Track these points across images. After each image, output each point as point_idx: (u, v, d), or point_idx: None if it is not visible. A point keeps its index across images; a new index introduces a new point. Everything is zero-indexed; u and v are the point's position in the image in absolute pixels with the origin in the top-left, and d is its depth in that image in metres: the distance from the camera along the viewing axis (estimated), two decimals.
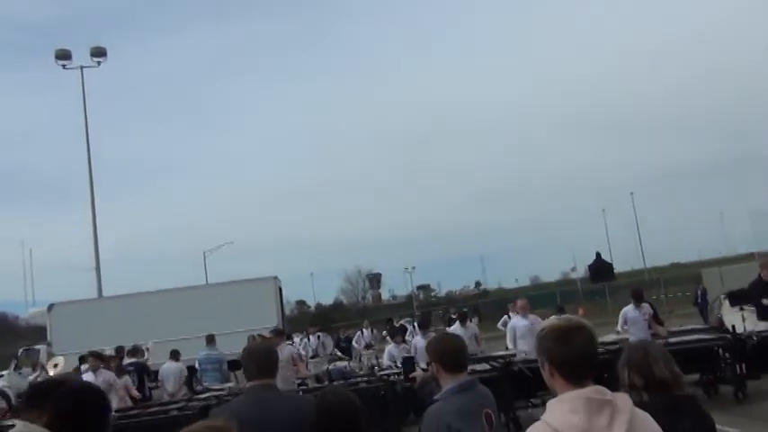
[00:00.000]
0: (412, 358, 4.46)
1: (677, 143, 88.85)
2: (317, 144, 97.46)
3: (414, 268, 62.57)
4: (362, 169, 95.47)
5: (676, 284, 42.67)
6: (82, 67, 29.46)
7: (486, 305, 43.66)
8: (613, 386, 2.19)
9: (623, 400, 2.09)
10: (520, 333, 10.34)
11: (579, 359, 2.11)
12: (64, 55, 29.30)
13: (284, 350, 9.54)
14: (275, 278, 22.15)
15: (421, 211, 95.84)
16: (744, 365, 9.43)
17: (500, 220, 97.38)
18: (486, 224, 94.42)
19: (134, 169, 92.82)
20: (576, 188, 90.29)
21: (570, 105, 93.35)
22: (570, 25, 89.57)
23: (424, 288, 74.53)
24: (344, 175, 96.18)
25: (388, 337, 17.71)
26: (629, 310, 10.34)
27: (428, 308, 47.87)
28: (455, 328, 12.24)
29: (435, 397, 3.20)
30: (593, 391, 2.07)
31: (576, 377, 2.10)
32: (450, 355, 3.24)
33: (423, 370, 6.37)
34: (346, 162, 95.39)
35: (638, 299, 10.53)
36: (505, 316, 16.53)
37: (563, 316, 2.26)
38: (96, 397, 2.39)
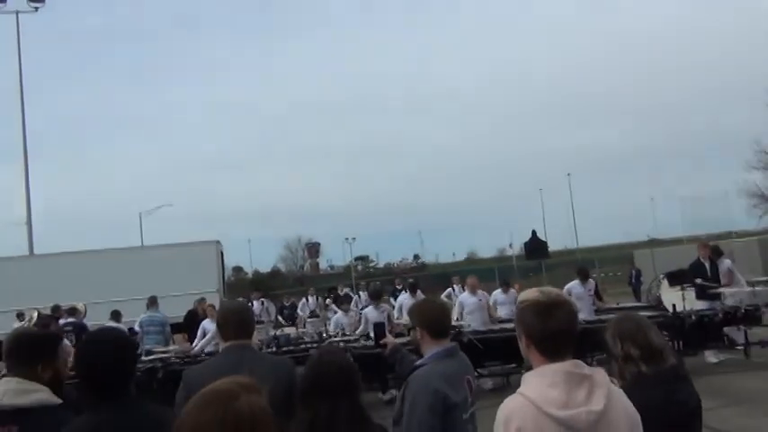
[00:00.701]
0: (383, 324, 4.37)
1: (612, 130, 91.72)
2: (262, 110, 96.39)
3: (354, 239, 62.77)
4: (307, 138, 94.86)
5: (609, 265, 44.09)
6: (17, 12, 28.05)
7: (425, 278, 44.12)
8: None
9: (600, 374, 2.08)
10: (468, 309, 10.50)
11: (559, 335, 2.09)
12: None
13: None
14: (217, 242, 21.79)
15: (363, 184, 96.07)
16: (681, 343, 9.78)
17: (440, 197, 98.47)
18: (426, 200, 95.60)
19: (71, 125, 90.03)
20: (516, 169, 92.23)
21: (517, 89, 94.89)
22: (504, 9, 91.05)
23: (363, 259, 74.85)
24: (289, 143, 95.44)
25: (333, 306, 17.71)
26: (574, 285, 10.55)
27: (366, 279, 48.04)
28: (404, 298, 12.28)
29: (420, 362, 3.15)
30: (571, 365, 2.06)
31: (555, 352, 2.08)
32: (436, 321, 3.19)
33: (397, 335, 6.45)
34: (291, 130, 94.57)
35: (584, 276, 10.76)
36: (449, 288, 16.78)
37: (543, 289, 2.22)
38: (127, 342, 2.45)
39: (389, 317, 11.14)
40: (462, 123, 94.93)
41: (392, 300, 14.25)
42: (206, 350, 10.49)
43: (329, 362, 2.61)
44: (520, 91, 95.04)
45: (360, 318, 13.12)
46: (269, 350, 9.49)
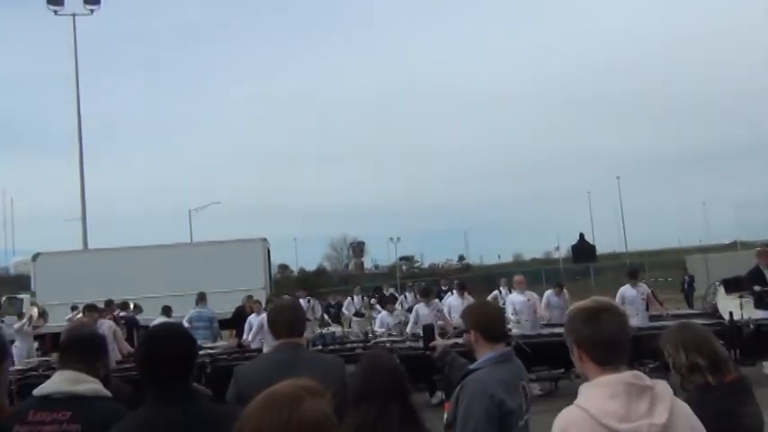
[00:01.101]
0: (432, 326, 4.30)
1: (664, 132, 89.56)
2: (311, 110, 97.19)
3: (399, 239, 62.78)
4: (355, 136, 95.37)
5: (659, 270, 43.10)
6: (74, 15, 28.84)
7: (469, 280, 43.82)
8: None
9: (662, 385, 2.02)
10: (518, 309, 10.34)
11: (610, 342, 2.03)
12: (56, 1, 28.62)
13: (104, 325, 9.56)
14: (264, 240, 21.97)
15: (408, 183, 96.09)
16: (738, 352, 9.47)
17: (486, 196, 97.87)
18: (472, 200, 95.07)
19: (123, 124, 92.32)
20: (563, 171, 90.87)
21: (565, 89, 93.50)
22: (569, 9, 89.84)
23: (408, 259, 74.77)
24: (336, 141, 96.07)
25: (377, 305, 17.71)
26: (626, 289, 10.32)
27: (410, 279, 47.91)
28: (453, 299, 12.23)
29: (474, 365, 3.09)
30: (632, 375, 1.99)
31: (608, 361, 2.02)
32: (491, 324, 3.14)
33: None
34: (339, 130, 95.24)
35: (633, 275, 10.57)
36: (496, 291, 16.57)
37: (594, 298, 2.17)
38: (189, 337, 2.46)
39: (441, 314, 11.19)
40: (509, 123, 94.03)
41: (438, 302, 14.18)
42: (252, 345, 10.59)
43: (379, 365, 2.57)
44: (568, 90, 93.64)
45: (405, 318, 13.12)
46: (314, 348, 9.53)
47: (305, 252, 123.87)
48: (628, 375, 1.98)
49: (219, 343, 11.77)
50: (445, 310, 11.51)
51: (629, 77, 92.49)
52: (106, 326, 9.64)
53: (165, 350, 2.31)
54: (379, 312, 14.44)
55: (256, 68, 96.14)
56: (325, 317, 17.74)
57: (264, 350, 10.08)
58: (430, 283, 19.84)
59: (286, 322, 3.23)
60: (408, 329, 10.51)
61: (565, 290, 12.27)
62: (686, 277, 24.93)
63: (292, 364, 3.03)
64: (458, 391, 3.00)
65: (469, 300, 12.18)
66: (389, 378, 2.52)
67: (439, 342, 3.90)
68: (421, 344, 9.50)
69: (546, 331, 10.08)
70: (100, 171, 79.36)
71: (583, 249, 43.04)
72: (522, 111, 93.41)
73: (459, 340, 9.59)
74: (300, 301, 16.80)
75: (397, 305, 16.38)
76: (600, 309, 2.07)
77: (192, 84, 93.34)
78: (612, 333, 2.03)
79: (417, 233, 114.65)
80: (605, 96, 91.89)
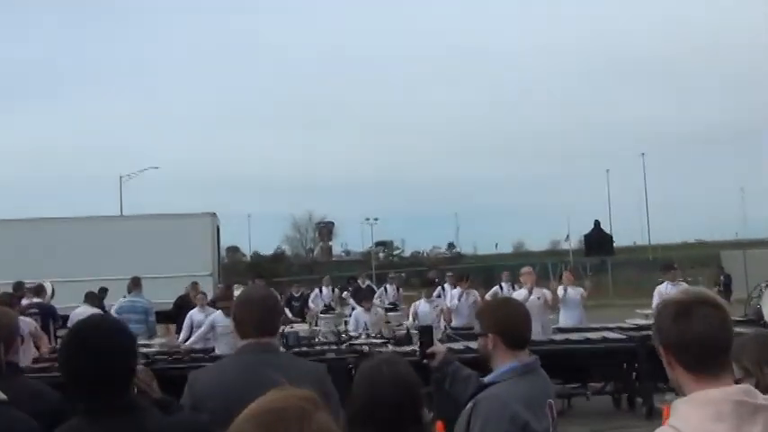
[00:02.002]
0: (430, 328, 4.21)
1: (699, 101, 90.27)
2: (274, 62, 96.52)
3: (375, 220, 62.74)
4: (322, 100, 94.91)
5: (688, 266, 43.59)
6: None
7: (461, 272, 44.13)
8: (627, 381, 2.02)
9: None
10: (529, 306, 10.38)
11: (703, 343, 1.95)
12: None
13: (23, 323, 9.36)
14: (213, 215, 21.90)
15: (389, 155, 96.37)
16: None
17: (482, 173, 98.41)
18: (465, 177, 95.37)
19: (42, 74, 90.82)
20: (576, 145, 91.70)
21: (580, 51, 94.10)
22: None
23: (386, 245, 75.17)
24: (300, 104, 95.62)
25: (351, 300, 17.67)
26: (665, 287, 10.40)
27: (389, 269, 48.12)
28: (456, 292, 12.49)
29: (490, 378, 3.03)
30: (742, 391, 1.91)
31: (703, 368, 1.96)
32: (515, 327, 3.09)
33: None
34: (303, 89, 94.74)
35: (667, 269, 10.77)
36: (496, 286, 16.64)
37: (689, 289, 2.14)
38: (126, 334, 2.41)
39: (445, 313, 11.36)
40: (512, 89, 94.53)
41: (441, 299, 14.27)
42: (197, 347, 10.51)
43: (390, 378, 2.47)
44: (584, 51, 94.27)
45: (384, 316, 13.08)
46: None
47: (260, 232, 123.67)
48: (737, 391, 1.92)
49: (156, 340, 11.63)
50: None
51: (659, 35, 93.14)
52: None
53: (98, 351, 2.21)
54: (354, 309, 14.37)
55: (209, 8, 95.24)
56: (287, 312, 17.66)
57: (218, 352, 10.00)
58: (437, 273, 19.93)
59: (255, 317, 3.15)
60: (408, 325, 10.92)
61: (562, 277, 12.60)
62: (722, 276, 25.24)
63: (263, 370, 2.94)
64: (469, 411, 2.92)
65: (474, 296, 12.26)
66: (404, 395, 2.42)
67: (439, 348, 3.82)
68: (404, 348, 9.55)
69: (559, 337, 10.10)
70: (14, 126, 78.41)
71: (597, 240, 43.34)
72: (529, 75, 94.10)
73: (454, 345, 9.64)
74: None
75: (375, 299, 16.39)
76: (694, 302, 2.01)
77: (122, 21, 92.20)
78: (707, 332, 1.96)
79: (398, 214, 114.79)
80: (630, 56, 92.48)
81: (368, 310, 12.20)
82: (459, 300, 12.15)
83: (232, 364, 3.15)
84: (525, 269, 11.25)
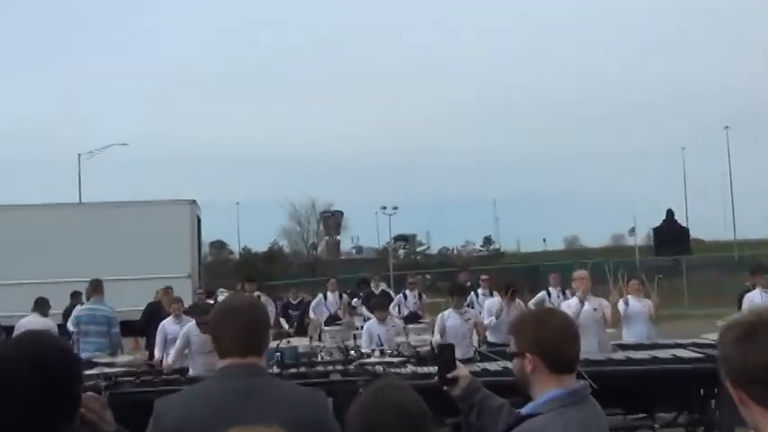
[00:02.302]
0: (452, 347, 4.20)
1: None
2: (268, 15, 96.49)
3: (395, 209, 62.77)
4: (326, 59, 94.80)
5: None
6: None
7: (501, 274, 44.00)
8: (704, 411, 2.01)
9: None
10: (581, 322, 10.29)
11: None
12: None
13: None
14: (193, 203, 21.98)
15: (411, 129, 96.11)
16: None
17: (527, 153, 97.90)
18: (506, 158, 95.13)
19: None
20: (645, 119, 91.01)
21: (653, 8, 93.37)
22: None
23: (407, 240, 75.34)
24: (303, 63, 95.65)
25: (362, 308, 17.71)
26: (757, 295, 10.39)
27: (411, 270, 48.24)
28: (492, 303, 12.68)
29: (528, 409, 3.06)
30: None
31: None
32: (562, 346, 3.11)
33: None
34: (307, 46, 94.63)
35: (758, 272, 10.76)
36: (543, 293, 16.69)
37: (756, 309, 2.15)
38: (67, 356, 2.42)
39: (479, 328, 11.39)
40: (570, 49, 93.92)
41: (474, 311, 14.29)
42: (174, 366, 10.56)
43: (391, 407, 2.50)
44: (657, 8, 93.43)
45: (403, 329, 13.08)
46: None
47: (252, 224, 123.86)
48: None
49: (122, 358, 11.71)
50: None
51: None
52: None
53: (22, 382, 2.21)
54: (366, 319, 14.38)
55: None
56: (282, 323, 17.73)
57: (193, 373, 10.05)
58: (466, 276, 19.87)
59: (236, 332, 3.17)
60: (436, 341, 10.92)
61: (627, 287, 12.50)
62: None
63: (248, 398, 3.01)
64: None
65: (520, 307, 12.25)
66: (403, 426, 2.44)
67: (462, 372, 3.82)
68: (427, 368, 9.56)
69: (619, 356, 10.06)
70: None
71: (670, 234, 43.27)
72: (588, 36, 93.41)
73: (490, 366, 9.63)
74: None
75: (392, 308, 16.35)
76: (759, 324, 2.03)
77: None
78: None
79: (422, 202, 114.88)
80: (714, 15, 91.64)
81: (383, 321, 12.24)
82: (497, 312, 12.22)
83: (207, 394, 3.16)
84: (579, 273, 11.22)
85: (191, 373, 10.03)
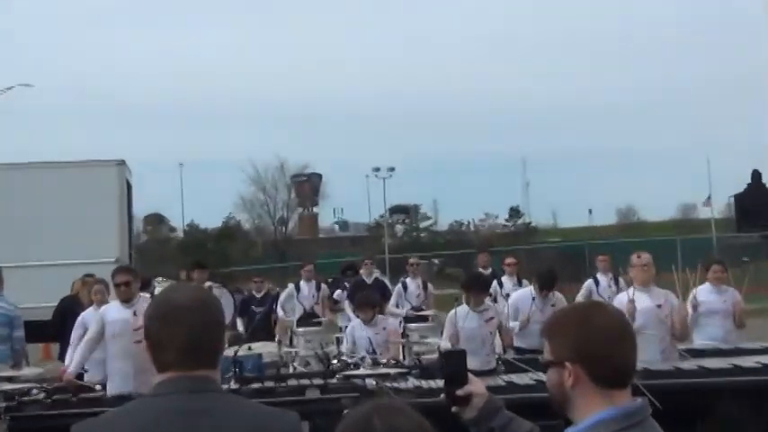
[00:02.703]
0: (463, 354, 4.22)
1: None
2: None
3: (391, 172, 62.69)
4: None
5: None
6: None
7: (532, 256, 44.10)
8: None
9: None
10: (641, 321, 10.38)
11: None
12: None
13: None
14: (121, 164, 21.96)
15: (412, 68, 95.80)
16: None
17: (567, 98, 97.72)
18: (540, 103, 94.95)
19: None
20: (719, 51, 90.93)
21: None
22: None
23: (407, 212, 75.28)
24: None
25: (348, 304, 17.75)
26: None
27: (413, 252, 48.24)
28: (521, 297, 12.70)
29: None
30: None
31: None
32: (610, 352, 3.11)
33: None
34: None
35: None
36: (589, 281, 16.75)
37: None
38: None
39: (502, 329, 11.37)
40: None
41: (494, 305, 14.30)
42: (88, 374, 10.61)
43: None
44: None
45: (403, 328, 13.12)
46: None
47: (201, 192, 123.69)
48: None
49: (27, 370, 11.74)
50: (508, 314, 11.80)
51: None
52: None
53: None
54: (350, 319, 14.42)
55: None
56: (240, 325, 17.81)
57: (112, 390, 10.11)
58: (489, 260, 19.78)
59: (184, 337, 3.17)
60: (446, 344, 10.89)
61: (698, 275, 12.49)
62: None
63: (195, 422, 3.03)
64: None
65: (557, 301, 12.30)
66: None
67: (477, 389, 3.85)
68: (434, 383, 9.59)
69: (688, 365, 10.13)
70: None
71: (757, 203, 43.08)
72: None
73: (518, 379, 9.66)
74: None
75: (391, 305, 16.46)
76: None
77: None
78: None
79: (427, 163, 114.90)
80: None
81: (369, 322, 12.30)
82: (528, 309, 12.23)
83: (140, 417, 3.15)
84: (639, 259, 11.24)
85: (109, 390, 10.09)
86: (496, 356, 11.56)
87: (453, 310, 11.44)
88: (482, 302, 11.45)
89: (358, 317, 12.73)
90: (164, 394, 3.13)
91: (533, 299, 12.39)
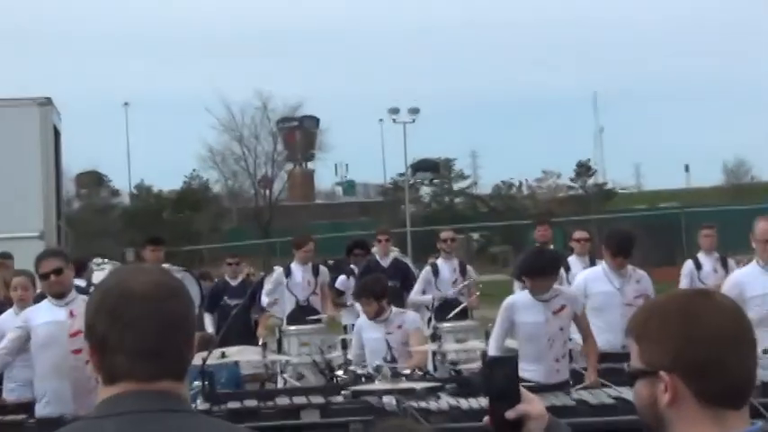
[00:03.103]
0: (512, 360, 4.22)
1: None
2: None
3: (415, 113, 62.72)
4: None
5: None
6: None
7: (609, 228, 44.03)
8: None
9: None
10: (759, 315, 10.42)
11: None
12: None
13: None
14: (46, 103, 22.01)
15: None
16: None
17: (650, 17, 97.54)
18: (611, 22, 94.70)
19: None
20: None
21: None
22: None
23: (436, 169, 75.28)
24: None
25: (351, 297, 17.83)
26: None
27: (445, 224, 48.28)
28: (593, 274, 12.85)
29: None
30: None
31: None
32: (723, 360, 3.10)
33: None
34: None
35: None
36: (688, 263, 16.75)
37: None
38: None
39: (581, 323, 11.29)
40: None
41: (567, 289, 14.37)
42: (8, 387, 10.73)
43: None
44: None
45: (434, 328, 13.20)
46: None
47: (153, 143, 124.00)
48: None
49: None
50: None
51: None
52: None
53: None
54: (360, 315, 14.47)
55: None
56: (208, 323, 17.91)
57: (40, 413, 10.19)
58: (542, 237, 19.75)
59: (141, 337, 3.18)
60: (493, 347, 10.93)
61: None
62: None
63: None
64: None
65: (646, 279, 12.35)
66: None
67: (534, 408, 3.86)
68: (476, 401, 9.62)
69: None
70: None
71: None
72: None
73: (592, 395, 9.68)
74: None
75: (413, 294, 16.55)
76: None
77: None
78: None
79: (462, 102, 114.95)
80: None
81: (377, 318, 12.36)
82: (620, 290, 12.22)
83: None
84: (763, 226, 11.27)
85: (38, 411, 10.18)
86: (571, 364, 11.43)
87: (510, 299, 11.38)
88: (549, 288, 11.18)
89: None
90: (111, 415, 3.08)
91: (607, 276, 12.30)
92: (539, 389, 7.99)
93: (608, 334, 11.71)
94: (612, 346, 11.52)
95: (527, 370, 10.20)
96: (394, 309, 12.81)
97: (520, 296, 11.17)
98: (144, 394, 3.11)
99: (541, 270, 11.23)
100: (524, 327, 10.82)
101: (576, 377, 10.90)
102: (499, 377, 3.89)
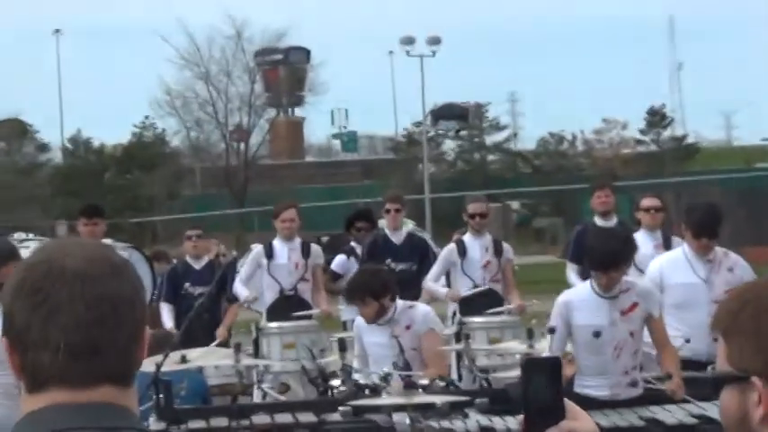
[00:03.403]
0: (556, 365, 4.22)
1: None
2: None
3: (435, 45, 62.83)
4: None
5: None
6: None
7: (688, 195, 44.37)
8: None
9: None
10: None
11: None
12: None
13: None
14: None
15: None
16: None
17: None
18: None
19: None
20: None
21: None
22: None
23: (461, 116, 75.32)
24: None
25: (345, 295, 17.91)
26: None
27: (473, 189, 48.40)
28: (671, 259, 12.83)
29: None
30: None
31: None
32: None
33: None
34: None
35: None
36: None
37: None
38: None
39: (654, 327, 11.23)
40: None
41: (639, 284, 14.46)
42: None
43: None
44: None
45: (460, 325, 13.29)
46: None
47: (93, 83, 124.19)
48: None
49: None
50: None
51: None
52: None
53: None
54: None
55: None
56: (167, 316, 18.00)
57: None
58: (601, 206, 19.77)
59: (73, 327, 3.17)
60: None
61: None
62: None
63: None
64: None
65: (739, 266, 12.38)
66: None
67: (582, 426, 3.86)
68: (514, 421, 9.67)
69: None
70: None
71: None
72: None
73: (668, 412, 9.73)
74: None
75: (430, 280, 16.60)
76: None
77: None
78: None
79: (496, 31, 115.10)
80: None
81: (375, 320, 12.42)
82: (706, 281, 12.22)
83: None
84: None
85: None
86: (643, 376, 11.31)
87: (565, 297, 11.34)
88: (618, 281, 11.20)
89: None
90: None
91: (690, 263, 12.23)
92: (599, 404, 8.10)
93: (690, 338, 11.64)
94: (696, 354, 11.47)
95: (587, 386, 10.21)
96: (400, 303, 12.77)
97: (577, 292, 11.07)
98: (78, 409, 3.09)
99: (609, 255, 11.05)
100: (582, 331, 10.67)
101: (647, 390, 10.91)
102: (538, 385, 3.88)
